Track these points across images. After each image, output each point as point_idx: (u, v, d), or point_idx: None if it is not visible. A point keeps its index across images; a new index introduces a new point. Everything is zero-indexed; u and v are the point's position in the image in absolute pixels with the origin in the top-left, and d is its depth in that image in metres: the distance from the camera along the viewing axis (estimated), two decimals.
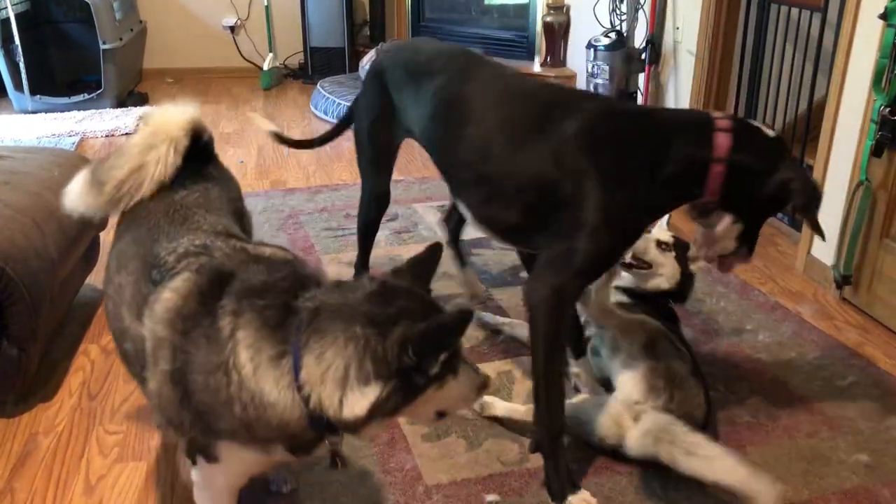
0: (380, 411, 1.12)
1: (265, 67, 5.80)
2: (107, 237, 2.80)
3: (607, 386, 1.97)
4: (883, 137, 2.37)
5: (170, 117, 1.53)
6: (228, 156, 4.18)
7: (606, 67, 4.19)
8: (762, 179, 1.64)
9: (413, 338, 1.11)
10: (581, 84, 4.80)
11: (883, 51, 2.34)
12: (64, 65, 5.27)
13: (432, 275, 1.30)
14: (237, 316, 1.17)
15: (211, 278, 1.24)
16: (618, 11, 4.27)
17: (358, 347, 1.11)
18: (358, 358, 1.11)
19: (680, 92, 3.90)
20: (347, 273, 2.75)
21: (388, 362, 1.10)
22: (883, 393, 2.14)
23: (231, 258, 1.30)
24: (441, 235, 2.65)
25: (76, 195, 1.52)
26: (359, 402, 1.11)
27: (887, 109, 2.34)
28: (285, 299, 1.19)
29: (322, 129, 4.89)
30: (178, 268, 1.28)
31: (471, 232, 3.12)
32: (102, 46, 4.77)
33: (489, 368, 2.17)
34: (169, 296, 1.24)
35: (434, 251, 1.31)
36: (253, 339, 1.16)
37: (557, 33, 5.12)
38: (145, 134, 1.51)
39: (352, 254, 2.95)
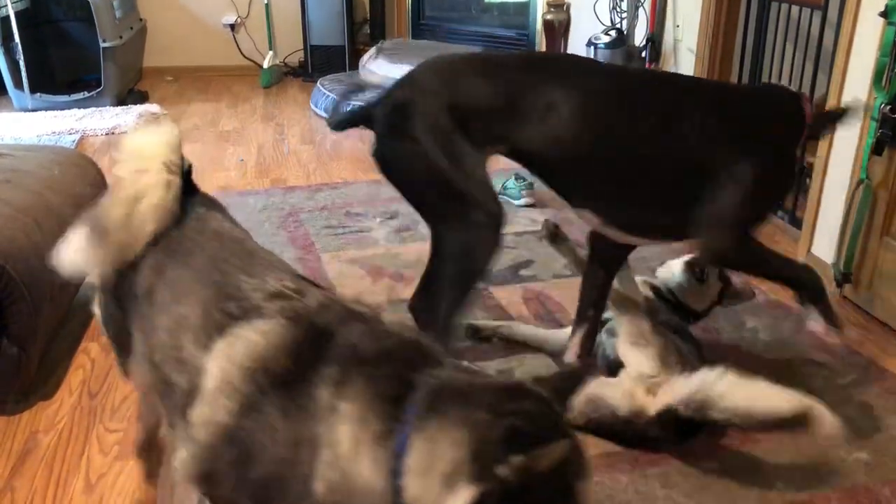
0: None
1: (265, 65, 5.80)
2: None
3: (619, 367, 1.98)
4: (883, 135, 2.37)
5: (151, 137, 1.35)
6: (229, 154, 4.18)
7: None
8: (807, 139, 1.98)
9: (518, 434, 0.93)
10: None
11: (883, 49, 2.34)
12: (64, 63, 5.26)
13: (573, 393, 1.13)
14: (342, 386, 1.00)
15: (309, 332, 1.07)
16: (618, 9, 4.27)
17: (474, 436, 0.93)
18: (472, 449, 0.93)
19: None
20: (348, 270, 2.76)
21: (494, 460, 0.91)
22: (883, 391, 2.14)
23: (328, 310, 1.12)
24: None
25: (77, 252, 1.31)
26: None
27: (888, 107, 2.34)
28: (403, 372, 1.02)
29: (323, 127, 4.94)
30: (266, 308, 1.11)
31: None
32: (102, 45, 4.77)
33: (490, 367, 2.16)
34: (256, 339, 1.07)
35: (581, 373, 1.19)
36: (360, 412, 0.99)
37: (558, 31, 5.11)
38: (127, 162, 1.32)
39: (352, 252, 2.96)
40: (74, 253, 1.32)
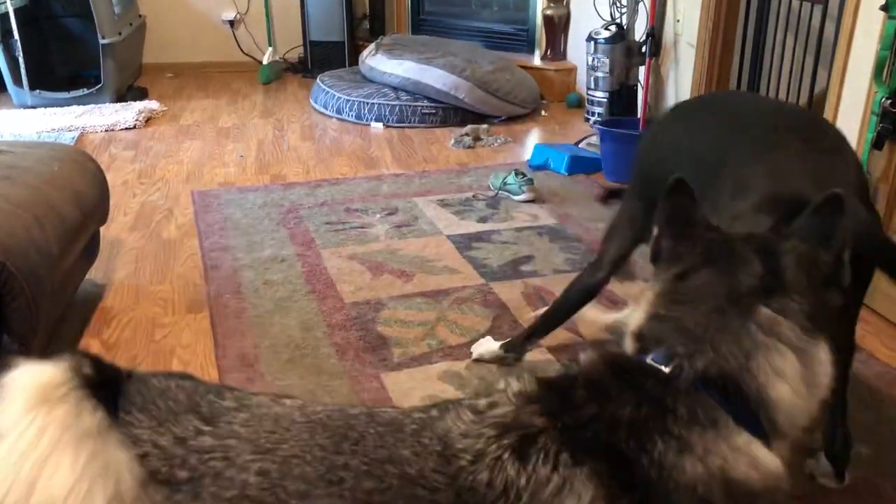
0: None
1: (265, 62, 5.79)
2: (107, 232, 2.81)
3: None
4: (884, 129, 2.36)
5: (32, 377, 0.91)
6: (228, 150, 4.18)
7: (607, 60, 4.19)
8: None
9: (813, 258, 0.98)
10: (581, 77, 4.80)
11: (884, 42, 2.34)
12: (63, 60, 5.25)
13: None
14: (648, 436, 0.92)
15: (591, 452, 0.92)
16: (618, 4, 4.27)
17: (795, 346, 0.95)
18: (799, 352, 0.95)
19: (680, 85, 3.90)
20: (348, 266, 2.76)
21: (816, 318, 0.96)
22: (883, 385, 2.14)
23: (551, 407, 0.96)
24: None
25: None
26: (823, 370, 0.97)
27: (888, 101, 2.34)
28: (659, 401, 0.94)
29: (323, 123, 4.94)
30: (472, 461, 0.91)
31: (470, 226, 3.13)
32: (101, 41, 4.76)
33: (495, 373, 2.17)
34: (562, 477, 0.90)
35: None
36: (686, 440, 0.91)
37: (558, 26, 5.11)
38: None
39: (352, 248, 2.96)
40: None
